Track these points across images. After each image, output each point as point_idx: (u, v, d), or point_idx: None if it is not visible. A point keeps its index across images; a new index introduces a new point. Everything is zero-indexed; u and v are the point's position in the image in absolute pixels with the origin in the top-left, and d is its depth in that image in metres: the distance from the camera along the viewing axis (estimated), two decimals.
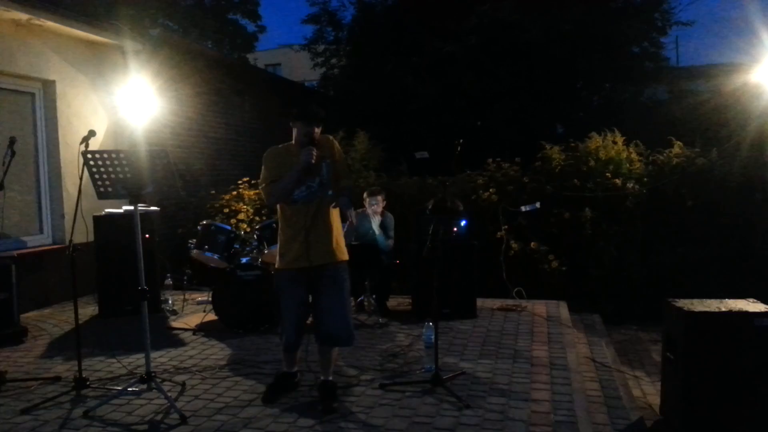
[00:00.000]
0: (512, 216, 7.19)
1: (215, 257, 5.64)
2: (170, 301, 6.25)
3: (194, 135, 8.93)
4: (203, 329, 5.39)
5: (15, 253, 5.72)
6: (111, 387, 3.96)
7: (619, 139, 7.53)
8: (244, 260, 5.49)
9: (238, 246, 5.75)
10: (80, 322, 4.15)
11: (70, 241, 3.87)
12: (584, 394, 3.88)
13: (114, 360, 4.50)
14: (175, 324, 5.64)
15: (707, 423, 3.62)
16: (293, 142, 3.68)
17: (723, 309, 3.69)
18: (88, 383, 3.95)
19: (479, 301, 5.94)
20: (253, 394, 3.87)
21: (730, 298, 3.92)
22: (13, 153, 4.07)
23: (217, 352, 4.80)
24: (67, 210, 6.78)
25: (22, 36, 6.30)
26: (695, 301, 3.85)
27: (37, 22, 6.18)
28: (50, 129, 6.78)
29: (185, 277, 7.12)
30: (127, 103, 7.32)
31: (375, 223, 5.87)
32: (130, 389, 3.84)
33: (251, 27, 22.49)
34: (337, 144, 3.75)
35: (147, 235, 5.63)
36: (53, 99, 6.74)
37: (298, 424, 3.43)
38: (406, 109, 12.38)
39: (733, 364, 3.58)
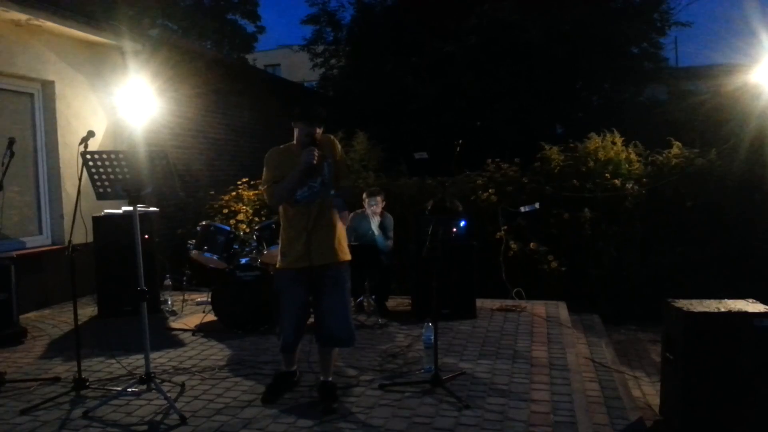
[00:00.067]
0: (512, 216, 7.19)
1: (214, 258, 5.64)
2: (170, 302, 6.25)
3: (193, 135, 8.93)
4: (202, 330, 5.38)
5: (14, 253, 5.71)
6: (110, 388, 3.96)
7: (619, 140, 7.54)
8: (243, 261, 5.49)
9: (237, 247, 5.75)
10: (79, 322, 4.15)
11: (70, 241, 3.86)
12: (584, 395, 3.88)
13: (113, 361, 4.49)
14: (174, 324, 5.63)
15: (707, 423, 3.62)
16: (295, 142, 3.68)
17: (722, 309, 3.69)
18: (87, 384, 3.95)
19: (479, 302, 5.94)
20: (252, 395, 3.87)
21: (729, 298, 3.92)
22: (12, 154, 4.06)
23: (217, 352, 4.80)
24: (66, 210, 6.78)
25: (21, 36, 6.30)
26: (694, 301, 3.85)
27: (36, 22, 6.18)
28: (49, 129, 6.78)
29: (184, 278, 7.12)
30: (126, 103, 7.32)
31: (374, 223, 5.87)
32: (129, 390, 3.84)
33: (250, 27, 22.53)
34: (338, 144, 3.75)
35: (146, 236, 5.63)
36: (52, 99, 6.74)
37: (297, 424, 3.43)
38: (406, 110, 12.38)
39: (733, 365, 3.58)
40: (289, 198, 3.61)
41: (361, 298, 6.01)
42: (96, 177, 3.72)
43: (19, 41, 6.27)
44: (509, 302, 6.32)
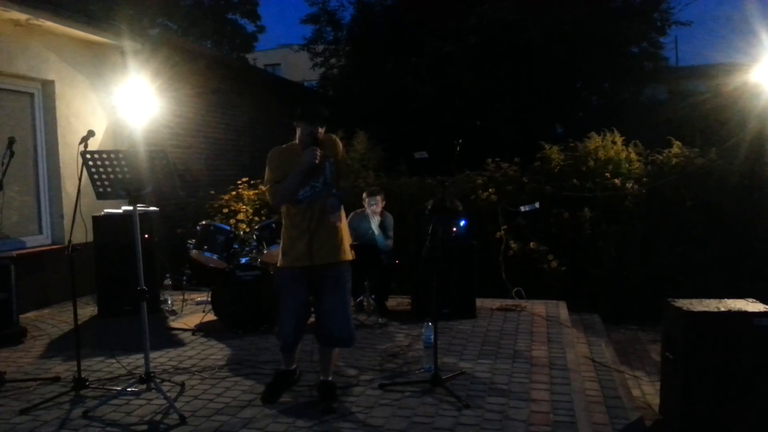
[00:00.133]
0: (511, 216, 7.19)
1: (214, 257, 5.64)
2: (169, 302, 6.25)
3: (193, 135, 8.93)
4: (202, 329, 5.38)
5: (14, 253, 5.71)
6: (110, 387, 3.96)
7: (619, 139, 7.54)
8: (243, 260, 5.49)
9: (237, 246, 5.75)
10: (79, 322, 4.15)
11: (70, 241, 3.86)
12: (584, 394, 3.88)
13: (113, 360, 4.49)
14: (174, 324, 5.63)
15: (707, 423, 3.62)
16: (297, 141, 3.67)
17: (722, 309, 3.69)
18: (87, 383, 3.95)
19: (478, 301, 5.94)
20: (252, 395, 3.87)
21: (729, 298, 3.93)
22: (12, 153, 4.06)
23: (217, 352, 4.80)
24: (66, 210, 6.77)
25: (21, 36, 6.30)
26: (694, 301, 3.85)
27: (36, 22, 6.17)
28: (49, 129, 6.78)
29: (184, 278, 7.12)
30: (126, 103, 7.31)
31: (374, 223, 5.87)
32: (129, 389, 3.84)
33: (250, 27, 22.49)
34: (340, 143, 3.75)
35: (146, 236, 5.62)
36: (52, 99, 6.74)
37: (297, 424, 3.42)
38: (406, 109, 12.39)
39: (733, 364, 3.58)
40: (291, 198, 3.60)
41: (361, 298, 6.01)
42: (96, 177, 3.72)
43: (19, 41, 6.27)
44: (509, 302, 6.32)
